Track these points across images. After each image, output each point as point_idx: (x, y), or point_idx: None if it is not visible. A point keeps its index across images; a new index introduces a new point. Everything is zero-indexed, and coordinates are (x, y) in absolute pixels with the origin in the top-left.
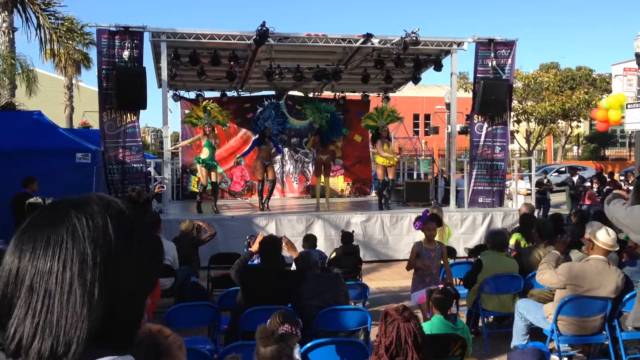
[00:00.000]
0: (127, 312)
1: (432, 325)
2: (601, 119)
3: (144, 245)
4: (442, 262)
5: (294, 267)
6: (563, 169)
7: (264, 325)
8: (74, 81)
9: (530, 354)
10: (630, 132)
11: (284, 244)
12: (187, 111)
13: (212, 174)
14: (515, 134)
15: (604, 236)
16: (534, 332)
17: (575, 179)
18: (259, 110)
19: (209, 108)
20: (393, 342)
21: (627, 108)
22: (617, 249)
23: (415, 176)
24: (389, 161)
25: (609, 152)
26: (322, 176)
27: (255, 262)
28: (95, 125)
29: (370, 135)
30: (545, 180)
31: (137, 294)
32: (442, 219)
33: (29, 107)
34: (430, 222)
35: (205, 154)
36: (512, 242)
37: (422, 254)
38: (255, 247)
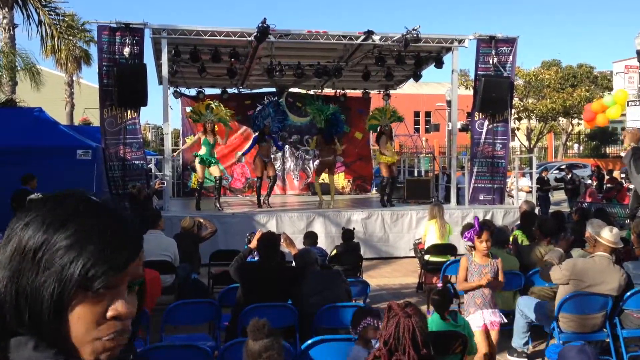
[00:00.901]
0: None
1: (432, 322)
2: (597, 110)
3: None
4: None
5: (293, 263)
6: (564, 167)
7: (255, 319)
8: (74, 78)
9: (589, 352)
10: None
11: (282, 241)
12: (188, 109)
13: (213, 170)
14: (516, 132)
15: (607, 234)
16: (535, 330)
17: (568, 177)
18: (257, 108)
19: (212, 106)
20: (392, 337)
21: (628, 105)
22: (622, 246)
23: (416, 174)
24: (392, 159)
25: (610, 150)
26: (327, 174)
27: (256, 258)
28: (95, 122)
29: (372, 133)
30: (545, 178)
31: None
32: (443, 215)
33: (29, 103)
34: (485, 233)
35: (202, 150)
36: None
37: (472, 271)
38: (254, 243)
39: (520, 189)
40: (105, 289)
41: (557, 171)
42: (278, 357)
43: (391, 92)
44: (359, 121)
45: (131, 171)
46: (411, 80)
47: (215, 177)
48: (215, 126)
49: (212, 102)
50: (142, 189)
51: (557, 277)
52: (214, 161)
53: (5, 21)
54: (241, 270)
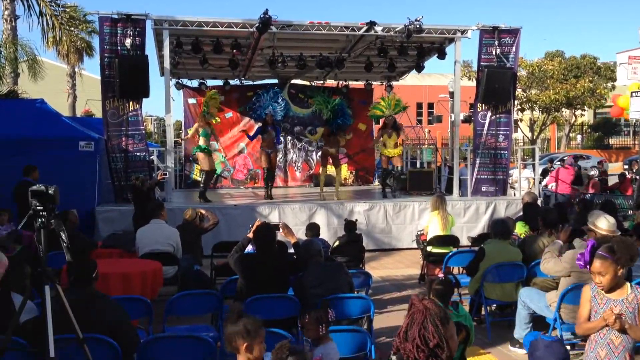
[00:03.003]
0: None
1: None
2: (624, 105)
3: None
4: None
5: (291, 250)
6: (567, 158)
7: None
8: (76, 69)
9: (556, 349)
10: (634, 121)
11: (281, 230)
12: (190, 100)
13: (211, 160)
14: (519, 123)
15: (603, 223)
16: (537, 321)
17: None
18: (253, 99)
19: (213, 97)
20: (403, 328)
21: (631, 96)
22: (619, 234)
23: (418, 165)
24: (390, 151)
25: (613, 141)
26: (331, 166)
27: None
28: (98, 113)
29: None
30: (551, 169)
31: None
32: (446, 207)
33: (31, 95)
34: (602, 259)
35: (202, 141)
36: (517, 230)
37: (596, 308)
38: (252, 233)
39: (528, 179)
40: None
41: (558, 163)
42: (244, 342)
43: (393, 83)
44: (362, 112)
45: (133, 163)
46: (414, 72)
47: (205, 170)
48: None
49: (210, 94)
50: (145, 181)
51: (558, 269)
52: (214, 150)
53: (6, 12)
54: (239, 262)
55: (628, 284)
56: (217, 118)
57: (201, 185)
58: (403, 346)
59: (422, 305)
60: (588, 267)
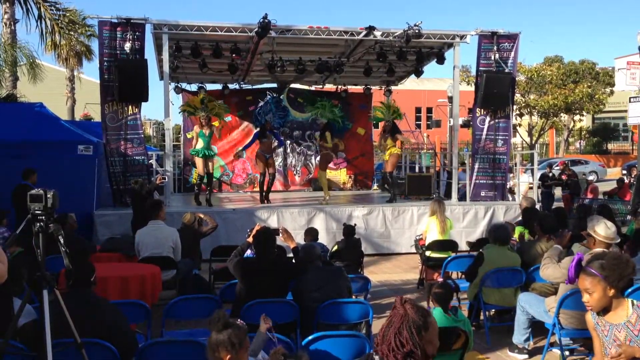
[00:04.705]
0: None
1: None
2: None
3: None
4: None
5: (290, 255)
6: (566, 163)
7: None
8: (75, 73)
9: None
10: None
11: (281, 234)
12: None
13: (210, 164)
14: (517, 128)
15: (603, 230)
16: (536, 326)
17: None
18: (260, 105)
19: (206, 102)
20: (382, 329)
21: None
22: (618, 241)
23: (417, 169)
24: (387, 154)
25: (612, 146)
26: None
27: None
28: (97, 117)
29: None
30: (550, 174)
31: None
32: (444, 211)
33: (30, 99)
34: (590, 276)
35: (200, 144)
36: (515, 234)
37: (601, 337)
38: (251, 238)
39: (529, 185)
40: None
41: (557, 167)
42: (227, 354)
43: (392, 87)
44: (361, 117)
45: (132, 167)
46: (413, 76)
47: (209, 172)
48: (212, 119)
49: (205, 97)
50: (144, 184)
51: (557, 275)
52: (212, 154)
53: (6, 16)
54: (239, 266)
55: (628, 301)
56: (216, 122)
57: (195, 189)
58: (380, 348)
59: (402, 309)
60: (576, 280)
